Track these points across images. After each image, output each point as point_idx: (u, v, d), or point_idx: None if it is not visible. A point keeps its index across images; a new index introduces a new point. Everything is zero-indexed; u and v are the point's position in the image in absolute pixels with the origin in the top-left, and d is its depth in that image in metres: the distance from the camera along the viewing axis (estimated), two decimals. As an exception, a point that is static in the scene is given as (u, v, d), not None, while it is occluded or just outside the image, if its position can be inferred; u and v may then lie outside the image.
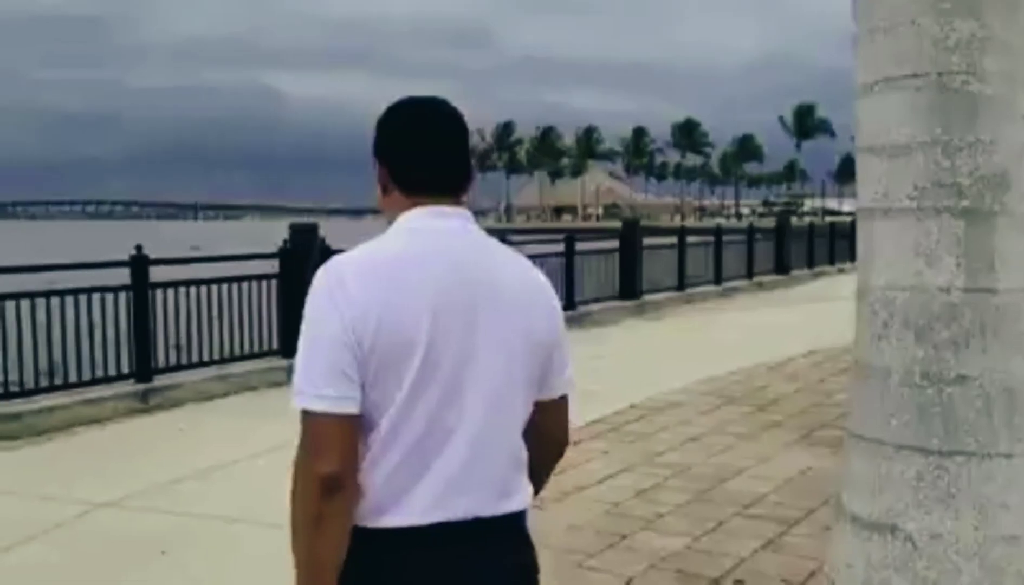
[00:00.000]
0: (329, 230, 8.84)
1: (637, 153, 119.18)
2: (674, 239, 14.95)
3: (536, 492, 1.64)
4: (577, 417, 6.11)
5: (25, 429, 6.15)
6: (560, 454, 1.69)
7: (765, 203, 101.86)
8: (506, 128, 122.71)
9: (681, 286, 14.42)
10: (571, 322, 11.77)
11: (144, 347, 7.08)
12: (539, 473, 1.63)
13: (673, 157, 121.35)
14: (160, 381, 7.14)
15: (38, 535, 4.23)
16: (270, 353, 7.88)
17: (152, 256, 7.20)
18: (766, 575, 3.62)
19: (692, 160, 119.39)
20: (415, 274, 1.45)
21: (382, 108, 1.60)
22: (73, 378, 6.70)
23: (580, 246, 12.39)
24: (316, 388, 1.40)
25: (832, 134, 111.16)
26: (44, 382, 6.58)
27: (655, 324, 11.99)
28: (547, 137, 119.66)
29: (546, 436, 1.61)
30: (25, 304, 6.46)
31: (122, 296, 7.01)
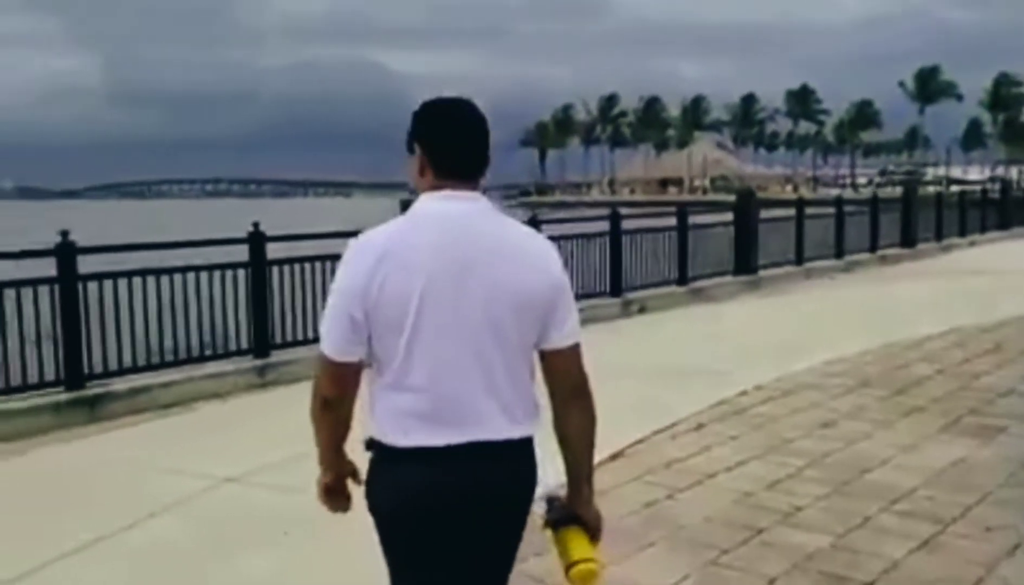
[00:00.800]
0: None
1: (746, 122, 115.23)
2: (791, 211, 14.31)
3: (580, 450, 1.93)
4: (700, 398, 5.82)
5: (151, 402, 6.33)
6: (576, 395, 1.93)
7: (883, 172, 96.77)
8: (610, 100, 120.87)
9: (799, 260, 13.79)
10: (683, 298, 11.42)
11: (262, 323, 7.18)
12: (573, 425, 1.92)
13: (784, 125, 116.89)
14: (277, 357, 7.23)
15: (171, 506, 4.28)
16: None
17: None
18: (923, 581, 3.30)
19: (804, 128, 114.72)
20: (417, 243, 1.82)
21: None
22: (196, 353, 6.86)
23: (692, 219, 11.98)
24: (326, 339, 1.87)
25: (959, 98, 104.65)
26: (169, 357, 6.74)
27: (773, 300, 11.46)
28: (651, 108, 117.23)
29: (557, 379, 1.92)
30: (151, 281, 6.63)
31: (240, 273, 7.13)
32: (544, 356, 1.91)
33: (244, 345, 7.15)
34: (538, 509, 1.96)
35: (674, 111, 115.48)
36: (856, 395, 6.12)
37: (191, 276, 6.85)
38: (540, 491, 1.95)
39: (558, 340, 1.89)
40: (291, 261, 7.41)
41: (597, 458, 4.87)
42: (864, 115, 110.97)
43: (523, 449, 1.90)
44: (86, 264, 6.36)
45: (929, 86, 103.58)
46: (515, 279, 1.84)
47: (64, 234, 6.17)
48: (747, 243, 12.60)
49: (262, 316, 7.18)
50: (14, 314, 5.96)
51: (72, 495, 4.58)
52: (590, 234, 10.38)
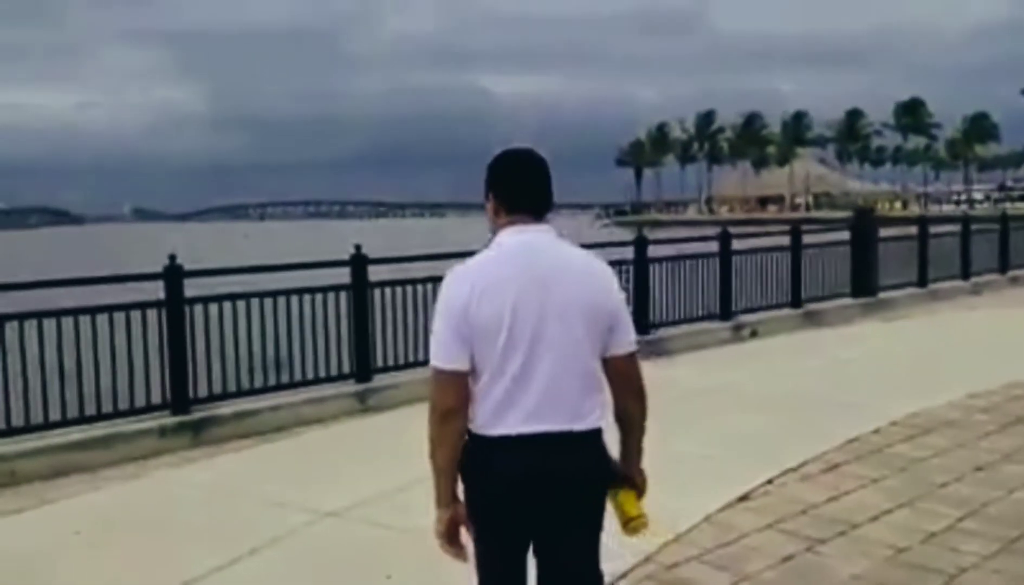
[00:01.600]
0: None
1: (851, 137, 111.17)
2: (908, 229, 13.48)
3: (632, 431, 2.34)
4: (829, 434, 5.26)
5: (254, 427, 6.24)
6: (636, 395, 2.32)
7: (1001, 187, 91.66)
8: (707, 117, 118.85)
9: (922, 282, 12.94)
10: (796, 321, 10.79)
11: (364, 347, 7.03)
12: (628, 413, 2.32)
13: (891, 140, 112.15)
14: (378, 381, 7.07)
15: (273, 542, 4.09)
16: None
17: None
18: None
19: (913, 142, 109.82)
20: (503, 269, 2.20)
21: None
22: (298, 378, 6.75)
23: (805, 238, 11.36)
24: (437, 354, 2.20)
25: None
26: (271, 381, 6.65)
27: (897, 324, 10.72)
28: (751, 124, 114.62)
29: (618, 380, 2.29)
30: (255, 303, 6.56)
31: (343, 295, 7.01)
32: (607, 362, 2.27)
33: (346, 369, 7.02)
34: None
35: (775, 127, 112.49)
36: (1009, 435, 5.51)
37: (294, 299, 6.77)
38: None
39: (618, 349, 2.27)
40: (394, 283, 7.26)
41: (724, 500, 4.46)
42: (980, 128, 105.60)
43: (592, 440, 2.23)
44: (192, 287, 6.35)
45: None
46: (584, 294, 2.21)
47: (172, 258, 6.16)
48: (866, 263, 11.86)
49: (364, 339, 7.04)
50: (123, 337, 5.97)
51: (177, 527, 4.46)
52: (698, 254, 9.94)
